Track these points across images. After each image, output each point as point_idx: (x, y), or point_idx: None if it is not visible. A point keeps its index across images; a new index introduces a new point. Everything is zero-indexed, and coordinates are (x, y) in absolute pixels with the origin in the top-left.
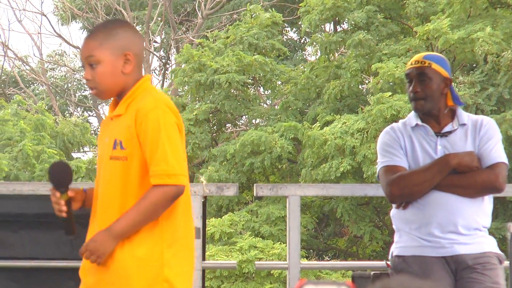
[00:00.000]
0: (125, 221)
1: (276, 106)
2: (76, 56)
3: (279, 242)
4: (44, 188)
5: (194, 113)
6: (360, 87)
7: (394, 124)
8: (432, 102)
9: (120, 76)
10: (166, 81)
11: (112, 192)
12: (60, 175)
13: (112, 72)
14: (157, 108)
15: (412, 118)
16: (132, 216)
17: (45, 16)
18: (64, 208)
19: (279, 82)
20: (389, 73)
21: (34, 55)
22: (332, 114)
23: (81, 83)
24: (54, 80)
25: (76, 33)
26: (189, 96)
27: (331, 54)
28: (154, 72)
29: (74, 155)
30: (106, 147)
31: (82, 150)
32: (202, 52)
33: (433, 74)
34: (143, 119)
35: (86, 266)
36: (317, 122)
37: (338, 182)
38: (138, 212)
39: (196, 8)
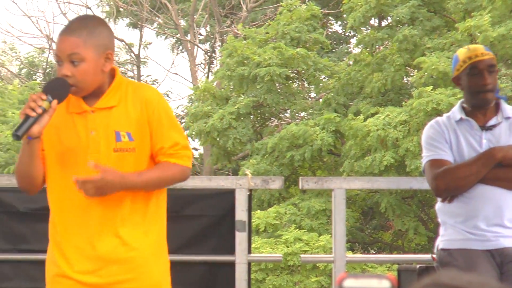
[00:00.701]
0: (140, 178)
1: (320, 100)
2: (121, 49)
3: (324, 235)
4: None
5: (236, 107)
6: (404, 81)
7: (438, 118)
8: (494, 95)
9: (100, 74)
10: (211, 75)
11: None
12: (57, 87)
13: (94, 70)
14: (162, 97)
15: (456, 112)
16: (149, 177)
17: (90, 9)
18: (39, 110)
19: (323, 77)
20: (432, 67)
21: None
22: (375, 107)
23: (126, 76)
24: None
25: (122, 29)
26: (232, 89)
27: (375, 50)
28: (200, 66)
29: None
30: (100, 140)
31: None
32: (245, 44)
33: (496, 66)
34: (155, 107)
35: (89, 268)
36: (361, 114)
37: (381, 175)
38: (157, 177)
39: (241, 0)
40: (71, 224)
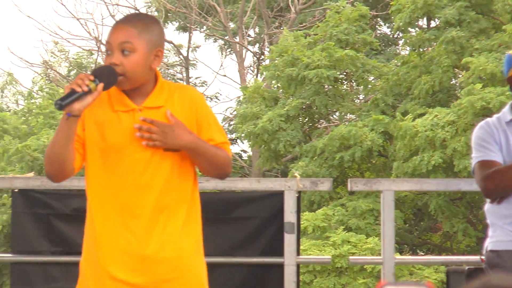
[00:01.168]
0: (203, 143)
1: (368, 102)
2: (170, 51)
3: (372, 236)
4: None
5: (286, 109)
6: (452, 82)
7: (488, 119)
8: None
9: (147, 70)
10: (260, 76)
11: (170, 183)
12: (105, 73)
13: (143, 64)
14: (202, 95)
15: (506, 113)
16: (209, 147)
17: (138, 10)
18: (85, 88)
19: (371, 78)
20: (480, 68)
21: None
22: (424, 107)
23: (175, 78)
24: None
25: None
26: (281, 90)
27: (422, 51)
28: (250, 69)
29: None
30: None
31: None
32: (296, 45)
33: None
34: (200, 105)
35: (134, 268)
36: (409, 114)
37: (429, 175)
38: (214, 152)
39: (289, 2)
40: (114, 223)
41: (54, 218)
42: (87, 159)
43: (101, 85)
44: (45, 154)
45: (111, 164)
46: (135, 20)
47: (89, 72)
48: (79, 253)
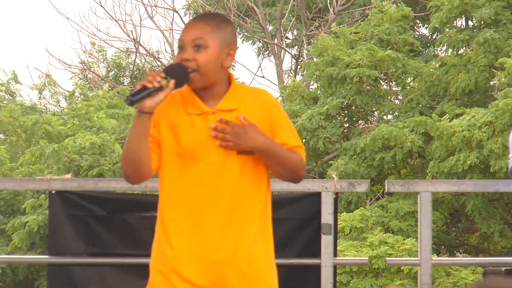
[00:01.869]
0: (277, 146)
1: (407, 101)
2: None
3: (410, 238)
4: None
5: (325, 107)
6: (490, 83)
7: None
8: None
9: (219, 68)
10: (298, 77)
11: (243, 187)
12: (176, 70)
13: (215, 61)
14: (276, 99)
15: None
16: (282, 150)
17: (177, 12)
18: (156, 84)
19: (410, 79)
20: None
21: (165, 51)
22: (461, 107)
23: None
24: None
25: None
26: (320, 90)
27: (460, 51)
28: (289, 72)
29: None
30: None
31: None
32: (336, 44)
33: None
34: (274, 109)
35: (206, 271)
36: (446, 115)
37: (465, 175)
38: (288, 155)
39: (328, 4)
40: (187, 226)
41: (91, 219)
42: (162, 161)
43: (172, 82)
44: (122, 154)
45: (184, 167)
46: (209, 18)
47: (160, 70)
48: (115, 254)
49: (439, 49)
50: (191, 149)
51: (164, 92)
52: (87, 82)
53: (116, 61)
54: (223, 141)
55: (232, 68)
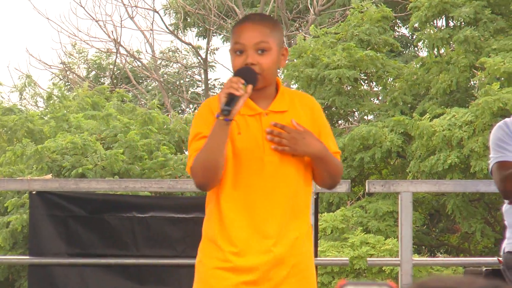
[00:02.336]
0: (330, 154)
1: (386, 101)
2: (188, 53)
3: (390, 238)
4: (157, 185)
5: None
6: (471, 83)
7: (507, 119)
8: None
9: (276, 69)
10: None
11: (297, 188)
12: (247, 74)
13: (275, 62)
14: (319, 104)
15: None
16: (331, 155)
17: (157, 12)
18: (241, 91)
19: (390, 79)
20: (495, 67)
21: (146, 51)
22: (442, 107)
23: (193, 79)
24: (166, 77)
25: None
26: (300, 90)
27: (440, 50)
28: None
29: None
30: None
31: None
32: (315, 45)
33: None
34: (320, 114)
35: (255, 264)
36: (427, 114)
37: (445, 175)
38: (335, 162)
39: (308, 4)
40: (247, 226)
41: (72, 220)
42: None
43: (250, 87)
44: (197, 164)
45: (241, 167)
46: (264, 19)
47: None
48: (96, 255)
49: (419, 46)
50: (247, 150)
51: (244, 98)
52: (67, 83)
53: (96, 61)
54: (279, 145)
55: (213, 69)
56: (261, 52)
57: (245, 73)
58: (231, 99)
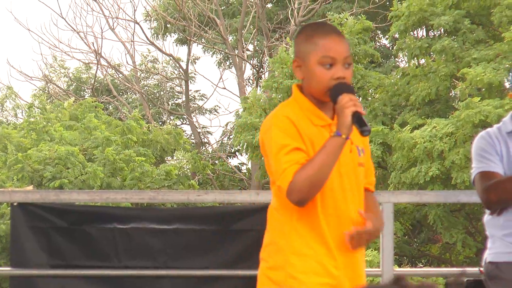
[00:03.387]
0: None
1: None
2: (168, 64)
3: (370, 249)
4: (137, 196)
5: None
6: (451, 93)
7: (489, 129)
8: None
9: None
10: (258, 89)
11: (360, 197)
12: (348, 89)
13: None
14: None
15: (508, 123)
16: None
17: (138, 24)
18: (362, 109)
19: (371, 90)
20: (477, 78)
21: (127, 63)
22: (423, 117)
23: (174, 91)
24: (147, 88)
25: (170, 45)
26: (281, 101)
27: (420, 60)
28: (249, 81)
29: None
30: (351, 154)
31: (175, 157)
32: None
33: None
34: None
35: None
36: (408, 125)
37: (426, 187)
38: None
39: (289, 15)
40: (335, 236)
41: (53, 231)
42: None
43: (360, 104)
44: (302, 179)
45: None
46: (339, 32)
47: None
48: (77, 266)
49: (399, 57)
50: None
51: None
52: (48, 95)
53: (76, 75)
54: (356, 246)
55: (193, 80)
56: (347, 66)
57: (345, 89)
58: (360, 118)
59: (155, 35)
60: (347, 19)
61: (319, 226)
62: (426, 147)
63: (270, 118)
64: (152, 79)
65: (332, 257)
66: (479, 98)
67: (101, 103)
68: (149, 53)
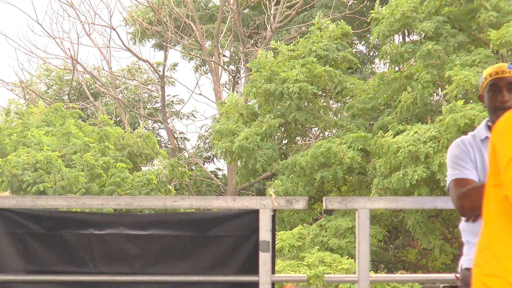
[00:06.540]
0: None
1: (346, 117)
2: (146, 69)
3: (347, 257)
4: (114, 202)
5: (263, 128)
6: (433, 98)
7: (463, 137)
8: None
9: None
10: (235, 94)
11: None
12: None
13: None
14: None
15: (482, 130)
16: None
17: (114, 29)
18: None
19: (348, 95)
20: (465, 79)
21: (103, 68)
22: (403, 123)
23: (151, 96)
24: (125, 94)
25: (148, 50)
26: (258, 106)
27: (400, 65)
28: (225, 87)
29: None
30: None
31: (150, 163)
32: (275, 60)
33: None
34: None
35: None
36: (389, 131)
37: (412, 190)
38: None
39: (265, 21)
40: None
41: (29, 237)
42: None
43: None
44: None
45: None
46: None
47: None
48: (54, 272)
49: (376, 63)
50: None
51: None
52: (24, 100)
53: (54, 79)
54: None
55: (172, 84)
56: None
57: None
58: None
59: (133, 40)
60: (327, 25)
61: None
62: (410, 150)
63: (506, 122)
64: (130, 84)
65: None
66: (462, 101)
67: (80, 109)
68: (127, 59)
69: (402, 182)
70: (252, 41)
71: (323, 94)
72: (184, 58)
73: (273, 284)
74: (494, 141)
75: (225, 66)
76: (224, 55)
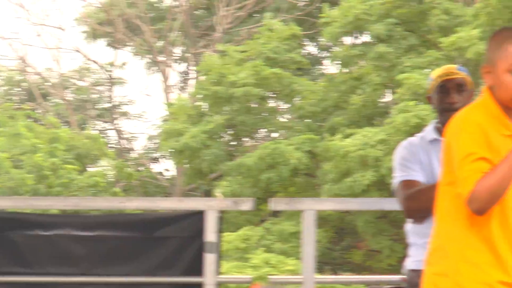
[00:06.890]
0: None
1: (295, 119)
2: (99, 70)
3: (293, 258)
4: (61, 203)
5: (210, 126)
6: (381, 100)
7: (411, 138)
8: None
9: None
10: (185, 94)
11: None
12: None
13: None
14: None
15: (430, 132)
16: None
17: (64, 31)
18: None
19: (297, 98)
20: (417, 83)
21: (53, 69)
22: (351, 126)
23: (102, 96)
24: (76, 94)
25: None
26: (207, 108)
27: (350, 67)
28: (174, 87)
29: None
30: None
31: (97, 164)
32: (223, 63)
33: (468, 86)
34: None
35: None
36: (338, 134)
37: (363, 195)
38: None
39: (214, 22)
40: (500, 249)
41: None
42: None
43: None
44: (483, 189)
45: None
46: None
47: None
48: (1, 273)
49: (324, 64)
50: None
51: None
52: None
53: (5, 80)
54: None
55: (122, 84)
56: None
57: None
58: None
59: (85, 39)
60: (277, 26)
61: (491, 236)
62: (360, 155)
63: (459, 121)
64: (81, 84)
65: (504, 270)
66: (415, 102)
67: (30, 109)
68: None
69: (352, 188)
70: (203, 41)
71: (273, 96)
72: (136, 56)
73: (218, 285)
74: (449, 139)
75: (175, 66)
76: (174, 53)
